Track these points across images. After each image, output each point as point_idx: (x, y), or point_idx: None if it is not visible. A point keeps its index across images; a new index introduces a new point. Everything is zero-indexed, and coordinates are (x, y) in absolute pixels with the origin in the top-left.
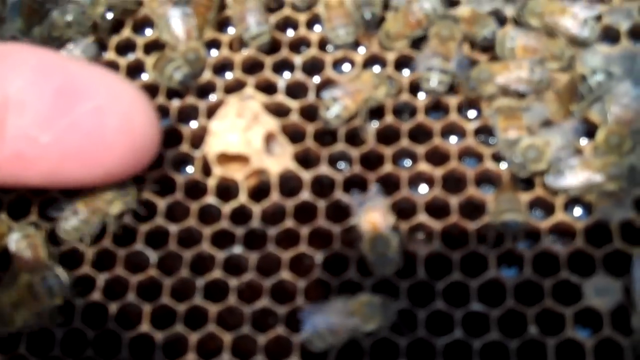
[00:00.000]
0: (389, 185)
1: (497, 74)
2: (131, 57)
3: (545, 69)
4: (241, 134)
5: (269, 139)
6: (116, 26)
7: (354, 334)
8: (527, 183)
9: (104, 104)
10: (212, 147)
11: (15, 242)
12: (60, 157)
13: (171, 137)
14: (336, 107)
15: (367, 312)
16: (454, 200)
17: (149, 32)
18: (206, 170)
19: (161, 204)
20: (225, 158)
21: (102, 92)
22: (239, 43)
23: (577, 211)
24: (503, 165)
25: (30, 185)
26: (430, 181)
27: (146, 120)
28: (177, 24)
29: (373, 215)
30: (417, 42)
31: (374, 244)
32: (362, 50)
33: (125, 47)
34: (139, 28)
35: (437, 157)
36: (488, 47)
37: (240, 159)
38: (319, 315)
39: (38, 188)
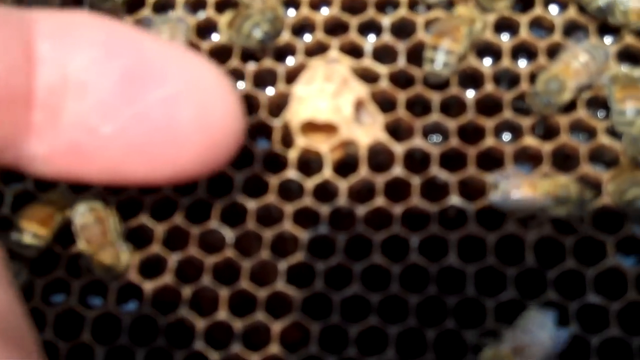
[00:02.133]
0: (491, 161)
1: (567, 79)
2: (201, 15)
3: (601, 47)
4: (330, 100)
5: (358, 106)
6: None
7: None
8: None
9: (179, 92)
10: (297, 114)
11: (81, 215)
12: (123, 152)
13: (247, 104)
14: (441, 55)
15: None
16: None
17: None
18: (286, 141)
19: (238, 177)
20: (310, 127)
21: (177, 78)
22: None
23: None
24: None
25: (87, 180)
26: (537, 157)
27: (228, 113)
28: None
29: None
30: (521, 3)
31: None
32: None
33: (195, 5)
34: None
35: (544, 130)
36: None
37: (327, 128)
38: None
39: (97, 184)
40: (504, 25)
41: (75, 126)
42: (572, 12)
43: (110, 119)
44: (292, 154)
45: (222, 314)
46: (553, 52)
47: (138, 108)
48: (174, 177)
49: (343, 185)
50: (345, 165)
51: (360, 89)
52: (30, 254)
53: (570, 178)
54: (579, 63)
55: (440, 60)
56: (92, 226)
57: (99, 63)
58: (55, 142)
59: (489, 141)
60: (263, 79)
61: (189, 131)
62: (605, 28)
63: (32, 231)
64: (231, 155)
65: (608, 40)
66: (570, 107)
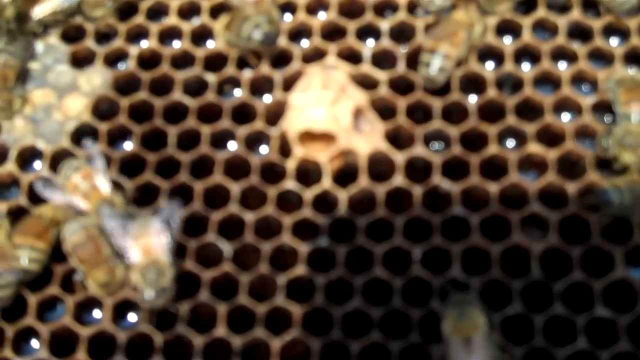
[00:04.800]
0: (495, 169)
1: None
2: (196, 21)
3: None
4: (328, 109)
5: (357, 114)
6: None
7: None
8: None
9: None
10: (294, 123)
11: (72, 234)
12: None
13: (243, 113)
14: (437, 59)
15: None
16: (572, 188)
17: None
18: (284, 150)
19: (234, 188)
20: (308, 137)
21: None
22: None
23: None
24: None
25: None
26: (542, 165)
27: None
28: None
29: None
30: (522, 5)
31: None
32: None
33: (189, 11)
34: None
35: (549, 137)
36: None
37: (325, 137)
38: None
39: None
40: (506, 28)
41: None
42: (576, 14)
43: None
44: (291, 164)
45: (221, 331)
46: (558, 55)
47: None
48: None
49: (343, 195)
50: (345, 175)
51: (359, 96)
52: (33, 268)
53: None
54: None
55: (435, 65)
56: (85, 245)
57: None
58: None
59: (493, 148)
60: (260, 86)
61: None
62: (611, 30)
63: (29, 245)
64: None
65: (614, 42)
66: (575, 112)
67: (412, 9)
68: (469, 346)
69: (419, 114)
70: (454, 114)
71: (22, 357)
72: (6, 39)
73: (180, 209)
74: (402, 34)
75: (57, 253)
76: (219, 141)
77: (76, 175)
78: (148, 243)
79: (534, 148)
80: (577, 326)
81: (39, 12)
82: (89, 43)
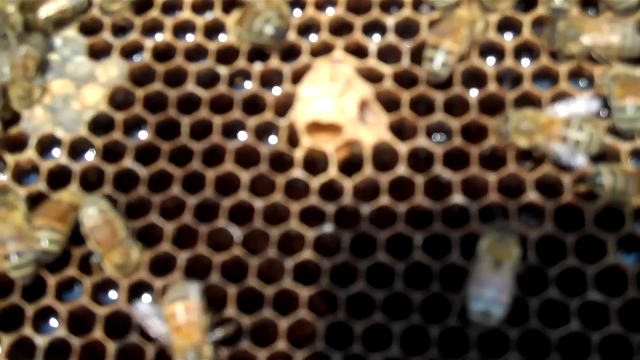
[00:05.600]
0: (495, 159)
1: (586, 33)
2: (209, 16)
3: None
4: (335, 101)
5: (362, 106)
6: None
7: None
8: None
9: None
10: (302, 114)
11: (90, 217)
12: None
13: (253, 104)
14: (440, 55)
15: None
16: (567, 179)
17: None
18: (292, 140)
19: (244, 176)
20: (315, 127)
21: None
22: None
23: None
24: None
25: None
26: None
27: None
28: None
29: None
30: (522, 3)
31: None
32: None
33: (202, 5)
34: None
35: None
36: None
37: (332, 128)
38: None
39: None
40: (507, 24)
41: None
42: (575, 11)
43: None
44: (298, 154)
45: (231, 311)
46: (557, 50)
47: None
48: None
49: (348, 184)
50: (350, 165)
51: (365, 89)
52: (54, 249)
53: None
54: (607, 35)
55: (439, 60)
56: (102, 227)
57: None
58: None
59: (492, 140)
60: (269, 79)
61: None
62: None
63: (50, 227)
64: None
65: None
66: None
67: (417, 5)
68: (497, 269)
69: (422, 106)
70: (456, 107)
71: (42, 335)
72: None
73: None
74: (406, 29)
75: (75, 236)
76: (230, 131)
77: (179, 304)
78: None
79: None
80: (570, 309)
81: (43, 13)
82: (106, 36)
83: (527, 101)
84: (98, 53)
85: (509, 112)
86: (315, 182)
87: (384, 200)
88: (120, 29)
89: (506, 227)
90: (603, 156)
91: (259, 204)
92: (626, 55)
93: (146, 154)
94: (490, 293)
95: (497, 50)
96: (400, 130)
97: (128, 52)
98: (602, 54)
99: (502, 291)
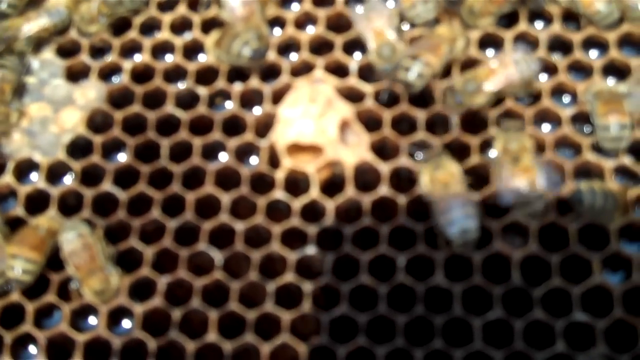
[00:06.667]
0: (478, 179)
1: (484, 80)
2: (187, 36)
3: (532, 60)
4: (315, 122)
5: (343, 127)
6: (170, 3)
7: None
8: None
9: None
10: (282, 136)
11: (69, 242)
12: None
13: (234, 125)
14: (417, 65)
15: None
16: (550, 195)
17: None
18: (273, 161)
19: (225, 198)
20: (296, 148)
21: None
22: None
23: None
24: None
25: None
26: None
27: None
28: (235, 0)
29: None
30: (504, 20)
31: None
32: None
33: (180, 26)
34: (193, 5)
35: None
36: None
37: (312, 149)
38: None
39: None
40: (489, 41)
41: None
42: (556, 27)
43: None
44: (280, 175)
45: (212, 336)
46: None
47: None
48: None
49: (330, 205)
50: (332, 185)
51: (345, 109)
52: (25, 279)
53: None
54: (502, 72)
55: (415, 70)
56: (80, 252)
57: None
58: None
59: (475, 158)
60: (250, 99)
61: None
62: (591, 42)
63: (25, 257)
64: None
65: (594, 54)
66: (555, 123)
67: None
68: (447, 190)
69: (404, 125)
70: (438, 125)
71: None
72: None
73: None
74: None
75: (54, 262)
76: (210, 152)
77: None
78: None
79: None
80: (555, 330)
81: (26, 30)
82: (84, 57)
83: (509, 118)
84: (76, 75)
85: (452, 82)
86: (297, 203)
87: (367, 221)
88: (98, 51)
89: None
90: (586, 173)
91: (240, 226)
92: (529, 80)
93: (125, 177)
94: (457, 213)
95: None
96: (382, 150)
97: (106, 74)
98: (511, 92)
99: (465, 205)
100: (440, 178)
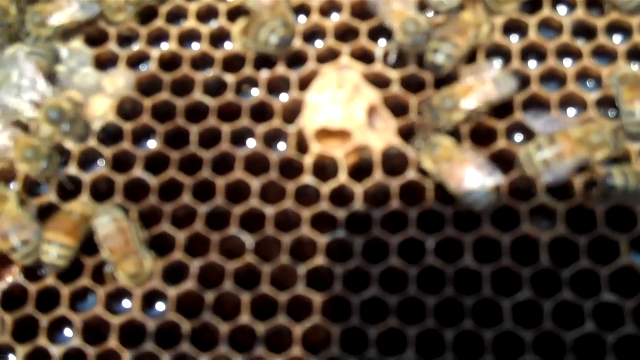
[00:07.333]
0: (503, 163)
1: (462, 97)
2: (214, 24)
3: (510, 78)
4: (343, 107)
5: (370, 112)
6: None
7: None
8: None
9: None
10: (310, 121)
11: (103, 226)
12: None
13: (261, 111)
14: (446, 46)
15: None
16: (577, 180)
17: None
18: (301, 147)
19: (254, 184)
20: (324, 134)
21: None
22: None
23: None
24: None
25: None
26: None
27: None
28: None
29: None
30: (528, 5)
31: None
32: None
33: (207, 14)
34: None
35: None
36: None
37: (341, 134)
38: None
39: None
40: (513, 27)
41: None
42: (580, 12)
43: None
44: (308, 160)
45: (245, 318)
46: (562, 52)
47: None
48: None
49: (358, 189)
50: (360, 170)
51: (372, 95)
52: (60, 264)
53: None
54: (480, 89)
55: (444, 51)
56: (115, 236)
57: None
58: None
59: (501, 142)
60: (276, 86)
61: None
62: (615, 27)
63: (59, 242)
64: None
65: (617, 39)
66: (580, 107)
67: (421, 9)
68: (450, 161)
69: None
70: None
71: (57, 345)
72: (33, 40)
73: None
74: None
75: (88, 246)
76: (238, 139)
77: None
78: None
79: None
80: (584, 311)
81: (55, 21)
82: (112, 46)
83: (535, 103)
84: (104, 63)
85: (430, 100)
86: (326, 188)
87: (395, 204)
88: (125, 39)
89: (423, 136)
90: (615, 159)
91: (269, 210)
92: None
93: (156, 163)
94: (474, 181)
95: (503, 53)
96: (410, 135)
97: (134, 62)
98: (488, 109)
99: (478, 168)
100: (441, 155)
